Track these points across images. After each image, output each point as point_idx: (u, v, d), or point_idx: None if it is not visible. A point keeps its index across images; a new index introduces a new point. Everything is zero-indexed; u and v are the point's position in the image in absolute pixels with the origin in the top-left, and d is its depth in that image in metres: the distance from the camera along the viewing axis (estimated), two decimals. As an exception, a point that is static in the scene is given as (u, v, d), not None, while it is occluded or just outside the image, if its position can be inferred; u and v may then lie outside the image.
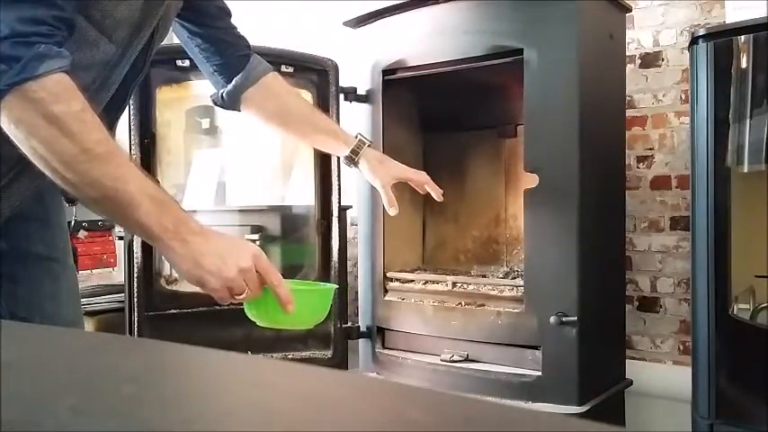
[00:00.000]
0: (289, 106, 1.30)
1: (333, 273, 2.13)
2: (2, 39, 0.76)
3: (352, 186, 2.22)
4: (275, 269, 0.92)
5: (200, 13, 1.16)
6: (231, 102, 1.24)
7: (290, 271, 2.33)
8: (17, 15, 0.77)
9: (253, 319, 0.98)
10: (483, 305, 1.85)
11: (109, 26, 0.89)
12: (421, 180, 1.39)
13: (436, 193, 1.40)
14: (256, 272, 0.90)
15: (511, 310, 1.79)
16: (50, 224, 1.05)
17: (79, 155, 0.79)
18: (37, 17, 0.78)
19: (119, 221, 0.87)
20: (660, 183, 2.16)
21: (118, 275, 2.45)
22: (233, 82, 1.22)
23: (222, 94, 1.24)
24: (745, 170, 1.58)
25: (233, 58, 1.22)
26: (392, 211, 1.36)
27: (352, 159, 1.33)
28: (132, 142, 1.92)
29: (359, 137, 1.34)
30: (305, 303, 0.99)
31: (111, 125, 1.00)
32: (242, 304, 0.95)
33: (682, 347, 2.11)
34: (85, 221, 2.41)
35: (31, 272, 1.02)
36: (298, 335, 2.06)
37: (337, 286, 1.11)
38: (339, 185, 2.13)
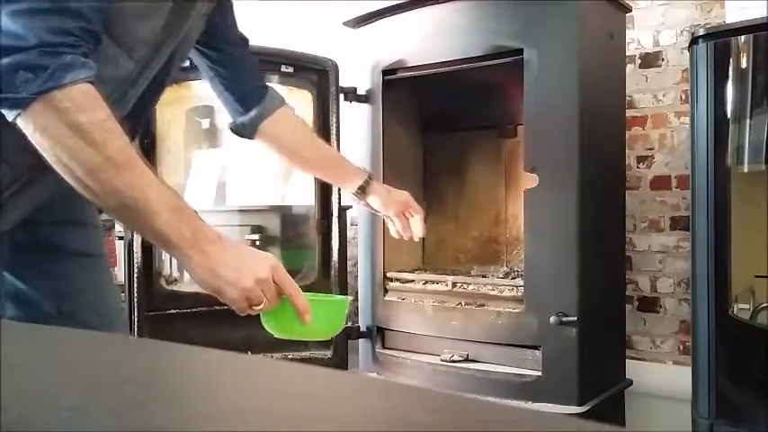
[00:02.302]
0: (302, 140, 1.35)
1: (333, 273, 2.13)
2: (29, 48, 0.77)
3: (352, 186, 2.21)
4: (292, 280, 0.93)
5: (220, 40, 1.19)
6: (250, 131, 1.28)
7: (289, 271, 2.33)
8: (45, 25, 0.78)
9: (270, 331, 0.99)
10: (483, 305, 1.85)
11: (129, 43, 0.90)
12: (416, 210, 1.43)
13: (415, 232, 1.42)
14: (274, 282, 0.91)
15: (511, 310, 1.79)
16: (86, 224, 1.09)
17: (102, 164, 0.80)
18: (64, 28, 0.79)
19: (138, 230, 0.88)
20: (660, 183, 2.16)
21: (118, 275, 2.45)
22: (252, 112, 1.25)
23: (242, 122, 1.27)
24: (745, 170, 1.58)
25: (251, 88, 1.25)
26: (409, 235, 1.42)
27: (363, 193, 1.38)
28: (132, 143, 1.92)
29: (364, 170, 1.39)
30: (322, 314, 0.99)
31: (132, 140, 1.02)
32: (259, 315, 0.96)
33: (682, 347, 2.12)
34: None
35: (71, 268, 1.06)
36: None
37: (351, 298, 1.12)
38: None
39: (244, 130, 1.28)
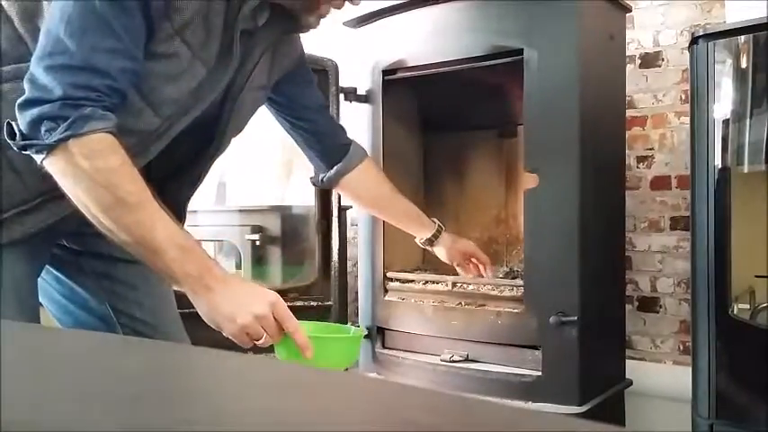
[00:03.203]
0: (380, 194, 1.45)
1: (333, 273, 2.13)
2: (54, 100, 0.85)
3: (352, 186, 2.21)
4: (292, 316, 0.96)
5: (298, 109, 1.27)
6: (329, 185, 1.39)
7: (290, 271, 2.33)
8: (73, 81, 0.86)
9: (283, 362, 1.01)
10: (483, 305, 1.85)
11: (156, 101, 0.96)
12: (482, 260, 1.59)
13: (483, 269, 1.59)
14: (275, 318, 0.94)
15: (511, 310, 1.78)
16: None
17: (114, 204, 0.88)
18: (90, 84, 0.88)
19: (149, 265, 0.94)
20: (660, 183, 2.16)
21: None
22: (334, 169, 1.35)
23: (322, 178, 1.37)
24: (745, 170, 1.58)
25: (334, 147, 1.34)
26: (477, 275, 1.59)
27: (430, 244, 1.53)
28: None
29: (436, 222, 1.53)
30: (329, 350, 1.02)
31: (184, 203, 1.12)
32: (270, 347, 0.99)
33: (682, 347, 2.12)
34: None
35: (126, 272, 1.13)
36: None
37: (366, 333, 1.12)
38: (339, 185, 2.13)
39: (323, 185, 1.39)
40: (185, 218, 1.13)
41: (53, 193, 0.92)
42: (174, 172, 1.10)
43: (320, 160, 1.35)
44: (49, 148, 0.86)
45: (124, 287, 1.13)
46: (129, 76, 0.91)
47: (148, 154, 1.00)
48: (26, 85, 0.87)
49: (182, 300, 2.11)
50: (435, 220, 1.54)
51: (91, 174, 0.87)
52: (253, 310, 0.93)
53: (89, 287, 1.12)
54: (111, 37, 0.88)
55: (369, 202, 1.50)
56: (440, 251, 1.55)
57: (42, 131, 0.85)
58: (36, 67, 0.87)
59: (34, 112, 0.86)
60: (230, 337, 0.95)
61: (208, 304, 0.93)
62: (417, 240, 1.54)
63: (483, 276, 1.59)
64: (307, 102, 1.28)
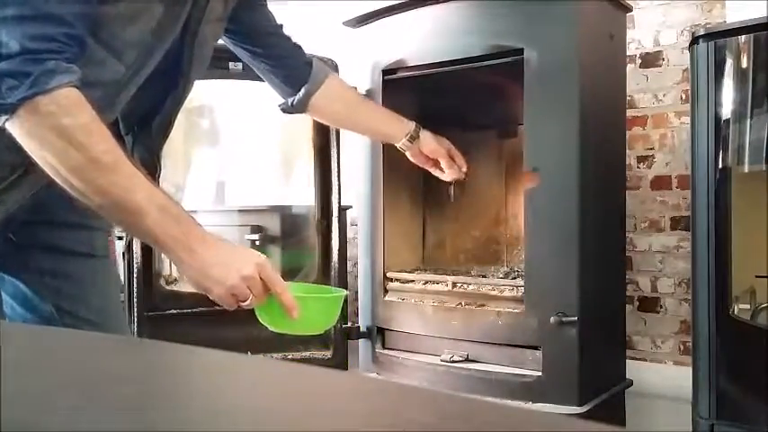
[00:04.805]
0: (350, 107, 1.39)
1: (333, 273, 2.13)
2: (13, 55, 0.79)
3: (353, 186, 2.21)
4: (279, 277, 0.95)
5: (256, 35, 1.23)
6: (299, 109, 1.32)
7: (289, 271, 2.33)
8: (28, 33, 0.80)
9: (265, 324, 1.01)
10: (483, 305, 1.85)
11: (118, 48, 0.91)
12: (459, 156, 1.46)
13: (462, 168, 1.45)
14: (261, 279, 0.92)
15: (511, 310, 1.78)
16: (89, 227, 1.09)
17: (87, 164, 0.83)
18: (47, 34, 0.81)
19: (128, 229, 0.91)
20: (660, 183, 2.16)
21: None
22: (303, 90, 1.29)
23: (291, 102, 1.31)
24: (746, 170, 1.58)
25: (297, 69, 1.29)
26: (459, 174, 1.44)
27: (413, 140, 1.40)
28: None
29: (409, 122, 1.41)
30: (311, 310, 1.01)
31: (157, 153, 1.08)
32: (251, 310, 0.98)
33: (682, 347, 2.11)
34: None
35: (73, 268, 1.07)
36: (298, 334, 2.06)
37: (347, 292, 1.12)
38: (339, 185, 2.13)
39: (293, 110, 1.32)
40: (161, 168, 1.10)
41: (27, 165, 0.87)
42: (143, 123, 1.05)
43: (285, 85, 1.30)
44: (12, 108, 0.80)
45: (70, 284, 1.07)
46: (84, 21, 0.85)
47: (115, 107, 0.96)
48: None
49: (183, 300, 2.10)
50: (409, 121, 1.43)
51: (59, 133, 0.81)
52: (240, 270, 0.91)
53: (33, 285, 1.06)
54: None
55: (341, 118, 1.43)
56: (425, 145, 1.42)
57: (3, 90, 0.79)
58: None
59: None
60: (216, 299, 0.92)
61: (193, 267, 0.89)
62: (400, 144, 1.42)
63: (464, 174, 1.45)
64: (264, 27, 1.24)
